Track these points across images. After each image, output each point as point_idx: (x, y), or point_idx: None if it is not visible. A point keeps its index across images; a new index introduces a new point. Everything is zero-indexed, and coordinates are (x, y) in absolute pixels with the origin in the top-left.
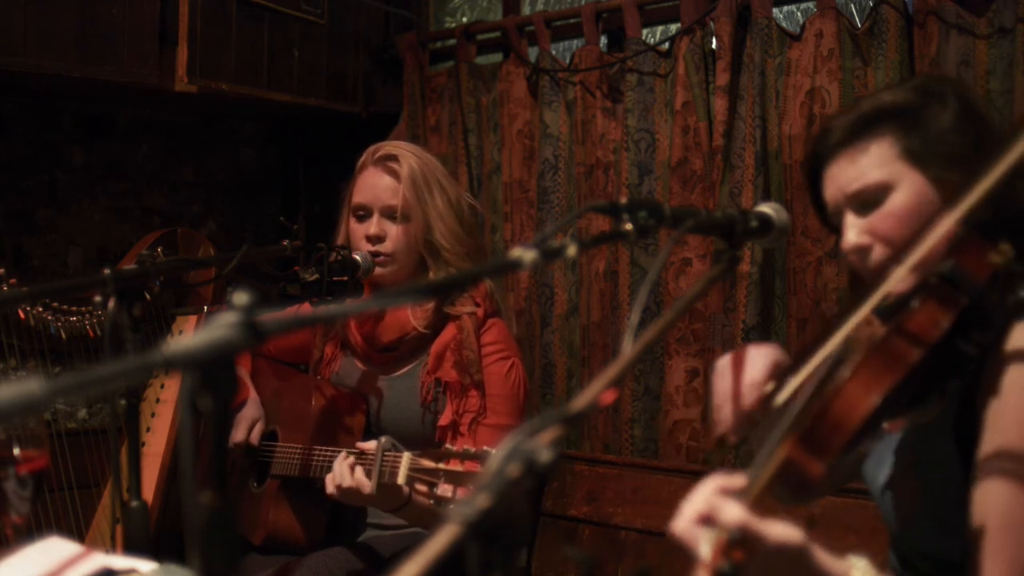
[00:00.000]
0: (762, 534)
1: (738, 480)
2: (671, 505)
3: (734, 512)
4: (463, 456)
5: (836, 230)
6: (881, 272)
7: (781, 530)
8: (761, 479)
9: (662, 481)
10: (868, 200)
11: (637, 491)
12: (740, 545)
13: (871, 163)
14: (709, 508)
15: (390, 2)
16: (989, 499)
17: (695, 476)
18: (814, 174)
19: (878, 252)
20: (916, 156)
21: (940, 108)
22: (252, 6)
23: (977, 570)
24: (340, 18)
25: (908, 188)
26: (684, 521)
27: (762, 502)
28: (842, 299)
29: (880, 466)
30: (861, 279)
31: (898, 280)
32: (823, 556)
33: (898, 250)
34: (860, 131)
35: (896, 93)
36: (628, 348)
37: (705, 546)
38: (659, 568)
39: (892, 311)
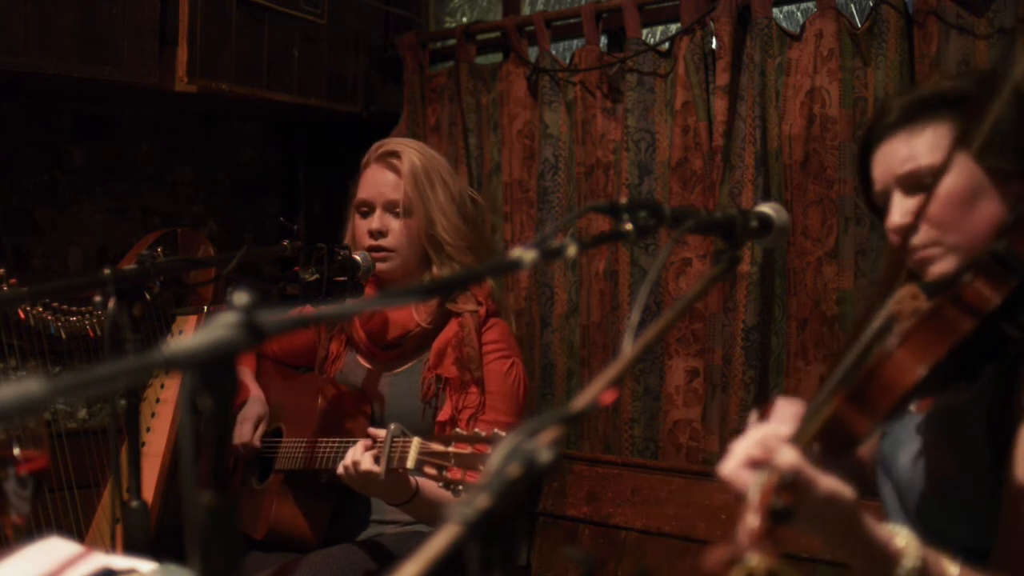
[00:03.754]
0: (815, 481)
1: (786, 429)
2: (671, 505)
3: (789, 456)
4: (473, 440)
5: (878, 210)
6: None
7: (833, 482)
8: (808, 431)
9: (662, 481)
10: (918, 182)
11: (637, 491)
12: (790, 489)
13: (925, 146)
14: (763, 451)
15: (390, 2)
16: None
17: (695, 476)
18: (866, 151)
19: (924, 234)
20: (972, 143)
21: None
22: (252, 6)
23: (1006, 558)
24: (340, 18)
25: (960, 172)
26: (734, 464)
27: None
28: (876, 281)
29: (900, 447)
30: (899, 261)
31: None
32: (869, 518)
33: (944, 233)
34: (918, 113)
35: (958, 82)
36: (628, 348)
37: (755, 489)
38: (659, 568)
39: (940, 288)
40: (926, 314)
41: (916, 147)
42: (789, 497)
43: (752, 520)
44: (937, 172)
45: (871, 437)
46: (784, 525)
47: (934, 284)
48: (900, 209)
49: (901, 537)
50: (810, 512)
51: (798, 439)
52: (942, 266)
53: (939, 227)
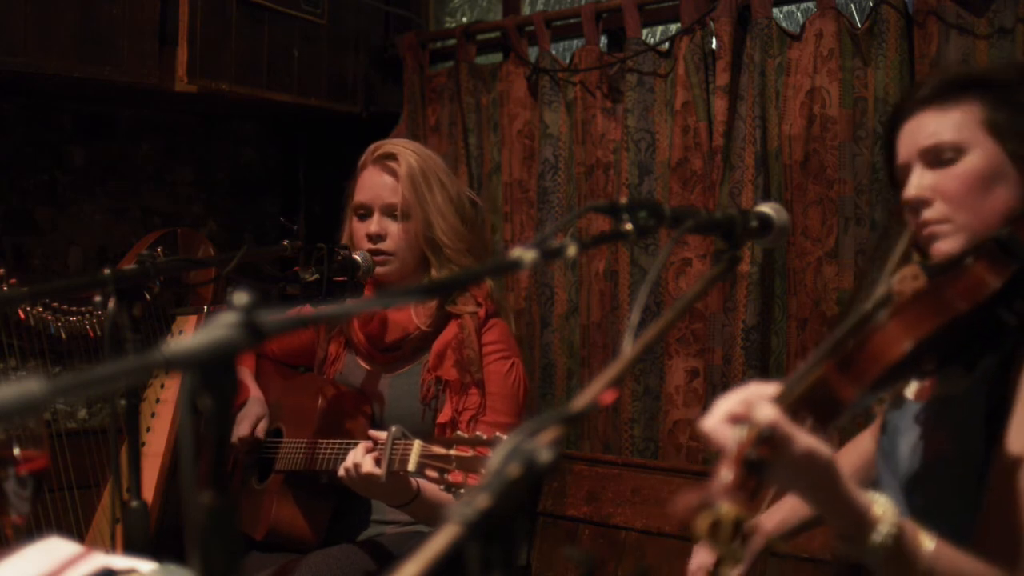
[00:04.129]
0: (792, 437)
1: (772, 389)
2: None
3: (768, 411)
4: (474, 443)
5: (898, 186)
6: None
7: (811, 440)
8: (794, 392)
9: (662, 481)
10: (940, 157)
11: (637, 491)
12: (768, 443)
13: (952, 123)
14: (744, 408)
15: (390, 2)
16: (1016, 473)
17: (695, 476)
18: (894, 125)
19: (936, 209)
20: (998, 128)
21: None
22: (252, 6)
23: (986, 538)
24: (340, 18)
25: (982, 154)
26: (715, 419)
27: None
28: (875, 258)
29: (901, 436)
30: (899, 232)
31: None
32: (848, 481)
33: (957, 210)
34: (949, 92)
35: (993, 69)
36: (628, 348)
37: (733, 443)
38: (659, 568)
39: (941, 270)
40: (922, 291)
41: (943, 123)
42: (766, 450)
43: (726, 471)
44: (956, 148)
45: (856, 406)
46: (758, 477)
47: (936, 266)
48: (917, 182)
49: (879, 505)
50: (787, 468)
51: (782, 399)
52: (948, 244)
53: (952, 204)
